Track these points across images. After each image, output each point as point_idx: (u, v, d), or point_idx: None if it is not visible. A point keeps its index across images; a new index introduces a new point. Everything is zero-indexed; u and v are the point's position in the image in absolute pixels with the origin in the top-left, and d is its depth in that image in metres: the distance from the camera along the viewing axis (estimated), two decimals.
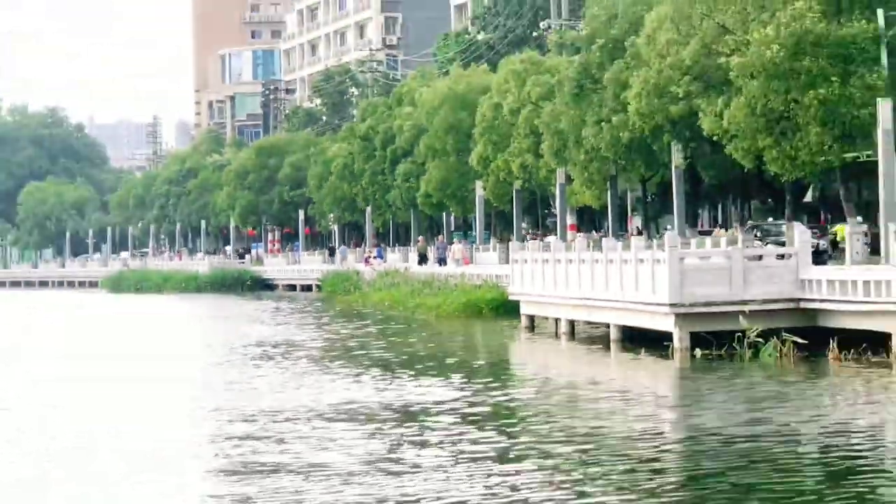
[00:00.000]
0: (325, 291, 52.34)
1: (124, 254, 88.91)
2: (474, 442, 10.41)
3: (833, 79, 21.80)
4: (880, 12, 21.74)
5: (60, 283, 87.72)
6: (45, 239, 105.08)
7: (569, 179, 35.38)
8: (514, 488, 7.66)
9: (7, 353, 25.82)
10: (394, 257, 51.37)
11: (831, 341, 17.34)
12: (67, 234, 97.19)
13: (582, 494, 7.57)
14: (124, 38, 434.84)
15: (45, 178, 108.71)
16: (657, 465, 9.10)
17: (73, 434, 12.10)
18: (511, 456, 9.67)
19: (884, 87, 21.37)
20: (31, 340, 32.32)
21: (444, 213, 50.58)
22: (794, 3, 22.10)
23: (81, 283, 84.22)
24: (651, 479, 8.30)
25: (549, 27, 41.48)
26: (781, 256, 20.80)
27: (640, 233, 30.71)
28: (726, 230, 31.04)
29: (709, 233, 32.74)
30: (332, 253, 59.87)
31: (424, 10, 77.20)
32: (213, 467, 9.35)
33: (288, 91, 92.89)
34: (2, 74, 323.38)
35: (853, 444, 10.05)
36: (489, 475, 8.40)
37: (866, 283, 17.65)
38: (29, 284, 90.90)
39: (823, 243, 22.14)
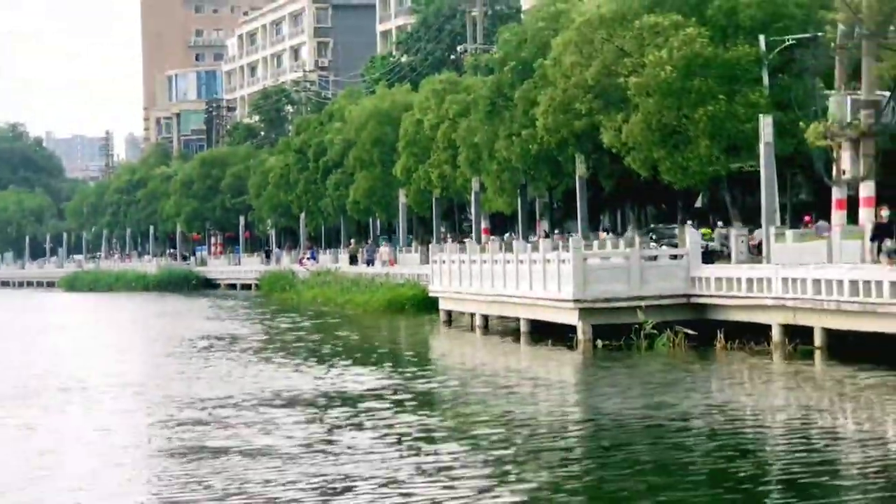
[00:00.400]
0: (263, 290, 50.80)
1: (79, 257, 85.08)
2: (404, 425, 10.41)
3: (720, 97, 21.72)
4: (762, 38, 21.78)
5: (20, 284, 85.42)
6: (6, 243, 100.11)
7: (483, 188, 34.52)
8: (441, 467, 7.65)
9: None
10: (325, 258, 49.47)
11: (718, 332, 17.30)
12: (27, 239, 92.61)
13: (502, 470, 7.55)
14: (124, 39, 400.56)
15: (6, 188, 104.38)
16: (564, 443, 9.27)
17: (24, 420, 11.55)
18: (437, 437, 9.58)
19: (765, 105, 21.29)
20: None
21: (370, 219, 49.34)
22: (685, 28, 21.72)
23: (40, 283, 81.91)
24: (560, 454, 8.46)
25: (466, 51, 40.72)
26: (674, 257, 20.42)
27: (547, 236, 29.67)
28: (608, 234, 30.73)
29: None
30: (268, 255, 57.71)
31: (353, 35, 75.90)
32: (163, 449, 9.05)
33: (229, 109, 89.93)
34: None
35: (736, 422, 10.24)
36: (418, 454, 8.39)
37: (749, 280, 17.50)
38: None
39: (713, 244, 21.61)
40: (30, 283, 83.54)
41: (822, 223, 20.80)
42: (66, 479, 7.78)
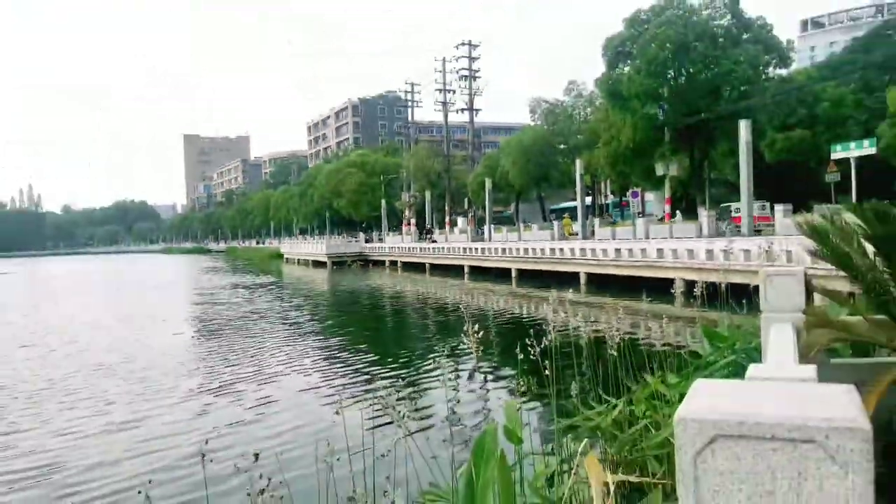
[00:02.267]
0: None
1: None
2: (259, 286, 50.36)
3: None
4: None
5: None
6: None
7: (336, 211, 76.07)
8: (268, 305, 48.22)
9: None
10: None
11: (370, 264, 59.33)
12: None
13: (300, 301, 48.18)
14: None
15: None
16: (326, 292, 49.48)
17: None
18: (279, 290, 49.87)
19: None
20: None
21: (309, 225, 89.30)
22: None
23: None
24: (321, 297, 48.53)
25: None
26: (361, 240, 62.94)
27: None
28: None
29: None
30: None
31: None
32: None
33: None
34: None
35: (385, 289, 51.22)
36: (259, 298, 48.90)
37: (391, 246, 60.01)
38: None
39: (427, 236, 64.02)
40: None
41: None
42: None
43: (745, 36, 39.37)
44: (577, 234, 41.28)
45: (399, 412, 3.45)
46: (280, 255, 78.31)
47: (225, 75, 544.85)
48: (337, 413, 3.72)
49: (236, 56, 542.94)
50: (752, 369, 2.44)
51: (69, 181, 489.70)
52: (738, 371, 5.21)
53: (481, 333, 3.90)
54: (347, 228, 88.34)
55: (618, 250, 29.93)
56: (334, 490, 3.18)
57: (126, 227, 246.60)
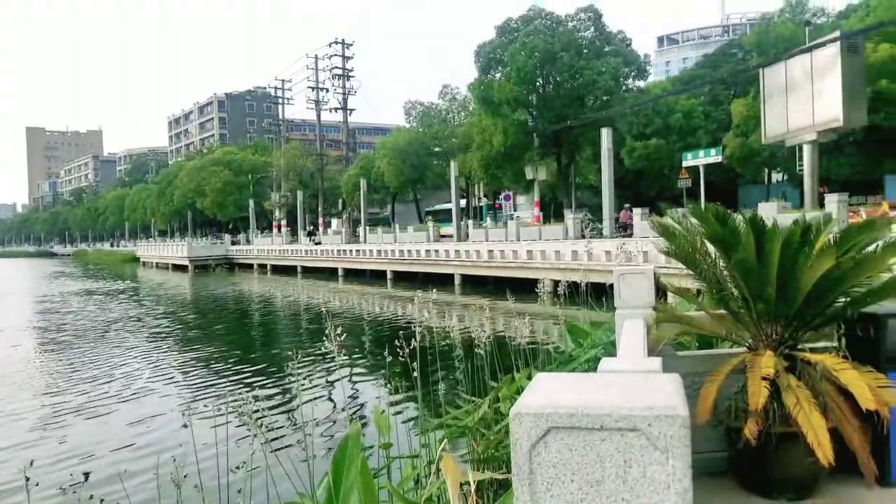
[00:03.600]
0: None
1: None
2: (115, 291, 47.03)
3: None
4: None
5: None
6: None
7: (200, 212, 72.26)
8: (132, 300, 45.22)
9: None
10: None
11: (237, 267, 56.98)
12: None
13: (156, 303, 45.10)
14: None
15: None
16: (185, 294, 46.70)
17: None
18: (131, 292, 46.74)
19: None
20: None
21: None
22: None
23: None
24: (182, 299, 45.77)
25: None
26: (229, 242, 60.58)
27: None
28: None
29: None
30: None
31: None
32: None
33: None
34: None
35: (243, 292, 48.78)
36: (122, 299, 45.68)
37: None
38: None
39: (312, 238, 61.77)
40: None
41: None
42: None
43: (606, 49, 41.76)
44: (451, 236, 41.97)
45: (256, 422, 3.31)
46: (136, 259, 73.76)
47: (76, 66, 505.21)
48: (185, 426, 3.52)
49: (89, 47, 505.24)
50: (604, 363, 2.56)
51: None
52: (597, 365, 5.47)
53: (348, 337, 3.83)
54: (212, 230, 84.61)
55: (491, 252, 30.73)
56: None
57: None
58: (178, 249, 62.28)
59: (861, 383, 3.28)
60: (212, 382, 13.37)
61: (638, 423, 1.10)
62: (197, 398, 11.72)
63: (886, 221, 3.91)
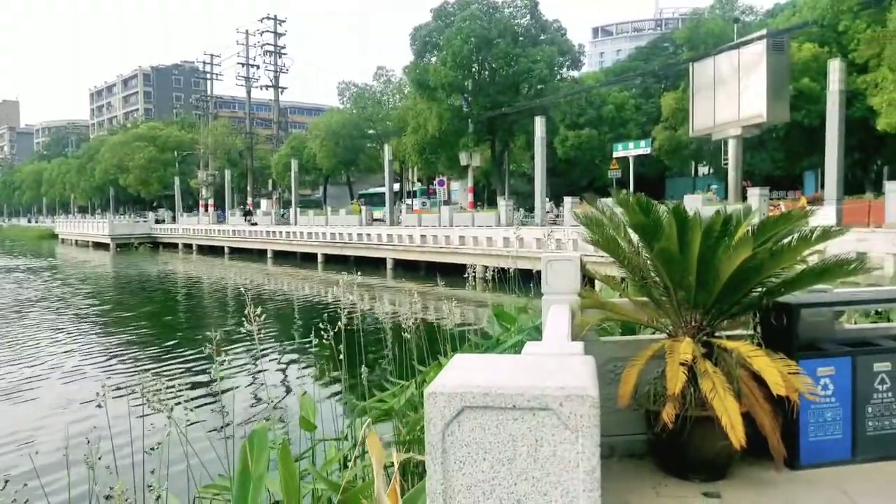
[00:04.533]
0: None
1: None
2: (33, 268, 44.69)
3: None
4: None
5: None
6: None
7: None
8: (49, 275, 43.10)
9: None
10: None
11: (160, 246, 55.11)
12: None
13: (79, 282, 42.90)
14: None
15: None
16: (107, 273, 44.69)
17: None
18: (46, 270, 44.46)
19: None
20: None
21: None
22: None
23: None
24: (105, 279, 43.68)
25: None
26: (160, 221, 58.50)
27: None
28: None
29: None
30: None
31: None
32: None
33: None
34: None
35: (168, 272, 47.03)
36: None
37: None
38: None
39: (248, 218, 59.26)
40: None
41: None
42: None
43: (542, 37, 42.20)
44: (383, 220, 41.75)
45: (168, 405, 3.21)
46: (55, 236, 69.93)
47: None
48: (100, 406, 3.39)
49: (5, 12, 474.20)
50: (528, 346, 2.59)
51: None
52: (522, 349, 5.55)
53: (277, 320, 3.75)
54: (135, 207, 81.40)
55: (423, 237, 30.74)
56: (92, 488, 2.88)
57: None
58: (99, 227, 59.64)
59: (773, 370, 3.45)
60: (130, 363, 12.94)
61: (550, 402, 1.12)
62: (113, 379, 11.31)
63: (802, 214, 4.10)
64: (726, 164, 27.53)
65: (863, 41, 22.89)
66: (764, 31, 24.42)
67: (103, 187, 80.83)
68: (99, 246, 57.71)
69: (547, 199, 33.81)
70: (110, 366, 12.99)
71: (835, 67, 20.44)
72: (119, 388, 9.91)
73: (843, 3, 24.51)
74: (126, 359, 13.57)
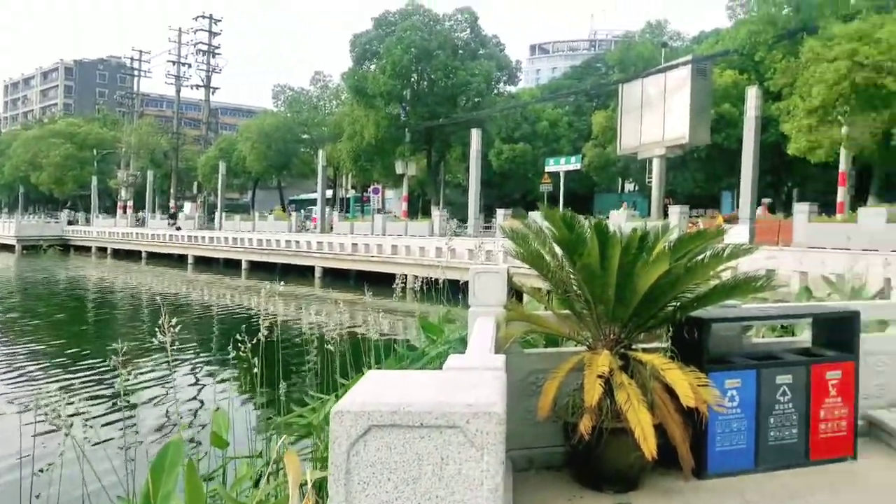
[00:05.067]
0: None
1: None
2: None
3: None
4: None
5: None
6: None
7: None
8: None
9: None
10: None
11: (72, 249, 52.38)
12: None
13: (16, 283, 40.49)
14: None
15: None
16: (15, 290, 42.07)
17: None
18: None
19: None
20: None
21: None
22: None
23: None
24: (8, 293, 41.14)
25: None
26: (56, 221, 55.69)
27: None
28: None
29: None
30: None
31: None
32: None
33: None
34: None
35: (78, 275, 44.53)
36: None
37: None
38: None
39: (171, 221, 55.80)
40: None
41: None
42: None
43: (481, 51, 42.73)
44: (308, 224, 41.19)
45: (67, 421, 3.03)
46: None
47: None
48: None
49: None
50: (450, 360, 2.58)
51: None
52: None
53: (192, 330, 3.61)
54: (47, 207, 77.51)
55: (355, 245, 30.49)
56: None
57: None
58: (4, 227, 56.38)
59: (684, 382, 3.57)
60: (29, 377, 12.21)
61: (457, 420, 1.11)
62: (10, 393, 10.66)
63: (716, 232, 4.28)
64: (650, 182, 28.51)
65: (778, 70, 24.21)
66: (689, 57, 25.50)
67: (12, 185, 76.66)
68: (3, 247, 54.48)
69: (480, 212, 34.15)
70: (6, 378, 12.23)
71: (752, 94, 21.53)
72: (12, 403, 9.32)
73: (759, 36, 25.88)
74: (25, 371, 12.81)
